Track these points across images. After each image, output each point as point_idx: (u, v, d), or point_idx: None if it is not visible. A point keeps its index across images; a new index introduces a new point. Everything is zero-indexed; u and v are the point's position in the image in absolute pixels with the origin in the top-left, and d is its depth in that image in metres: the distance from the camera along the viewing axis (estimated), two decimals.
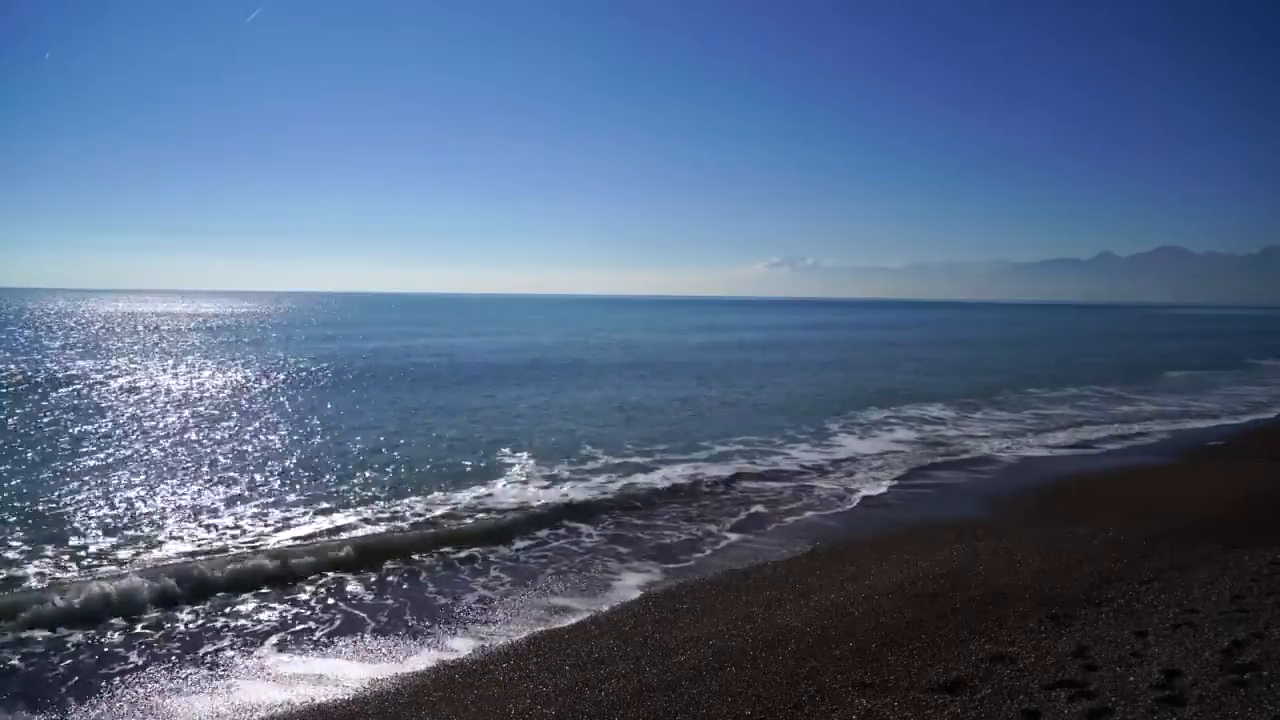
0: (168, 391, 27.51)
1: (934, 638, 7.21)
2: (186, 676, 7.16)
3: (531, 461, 16.51)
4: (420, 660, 7.51)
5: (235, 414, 22.63)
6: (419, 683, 7.00)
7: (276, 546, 10.78)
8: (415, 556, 10.61)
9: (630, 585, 9.53)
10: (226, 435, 19.19)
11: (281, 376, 33.06)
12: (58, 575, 9.54)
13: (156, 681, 7.06)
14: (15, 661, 7.45)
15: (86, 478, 14.41)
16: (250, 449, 17.55)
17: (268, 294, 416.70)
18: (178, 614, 8.55)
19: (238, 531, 11.49)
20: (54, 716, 6.52)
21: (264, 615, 8.60)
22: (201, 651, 7.67)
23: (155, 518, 12.06)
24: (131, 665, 7.38)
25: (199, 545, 10.77)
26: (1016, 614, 7.71)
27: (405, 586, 9.56)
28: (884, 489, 14.71)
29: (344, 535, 11.33)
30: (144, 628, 8.23)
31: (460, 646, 7.80)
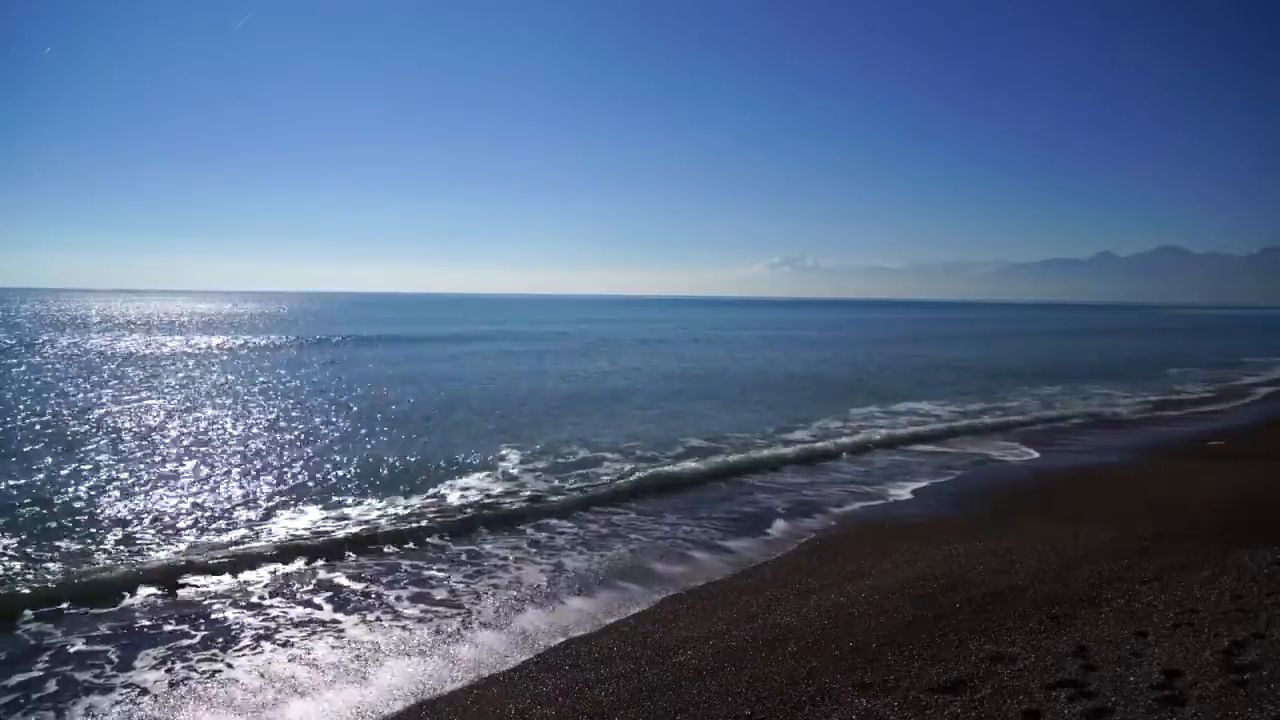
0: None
1: (934, 638, 7.21)
2: (168, 674, 7.14)
3: (515, 457, 16.53)
4: (418, 659, 7.49)
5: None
6: (417, 682, 7.00)
7: (269, 540, 10.76)
8: (411, 547, 10.69)
9: (629, 584, 9.52)
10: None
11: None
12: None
13: (144, 675, 7.05)
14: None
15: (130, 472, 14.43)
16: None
17: (281, 294, 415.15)
18: (164, 601, 8.56)
19: (226, 526, 11.49)
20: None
21: (258, 615, 8.59)
22: (183, 649, 7.66)
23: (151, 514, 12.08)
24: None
25: (196, 539, 10.78)
26: (1016, 614, 7.71)
27: (403, 584, 9.54)
28: (882, 489, 14.70)
29: (341, 527, 11.32)
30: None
31: (458, 645, 7.79)
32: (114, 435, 18.74)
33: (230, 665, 7.34)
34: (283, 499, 13.33)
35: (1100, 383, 33.56)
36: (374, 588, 9.44)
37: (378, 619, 8.48)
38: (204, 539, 11.08)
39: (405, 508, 12.80)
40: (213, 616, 8.52)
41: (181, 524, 11.78)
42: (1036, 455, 17.97)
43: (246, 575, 9.76)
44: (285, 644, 7.82)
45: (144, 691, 6.85)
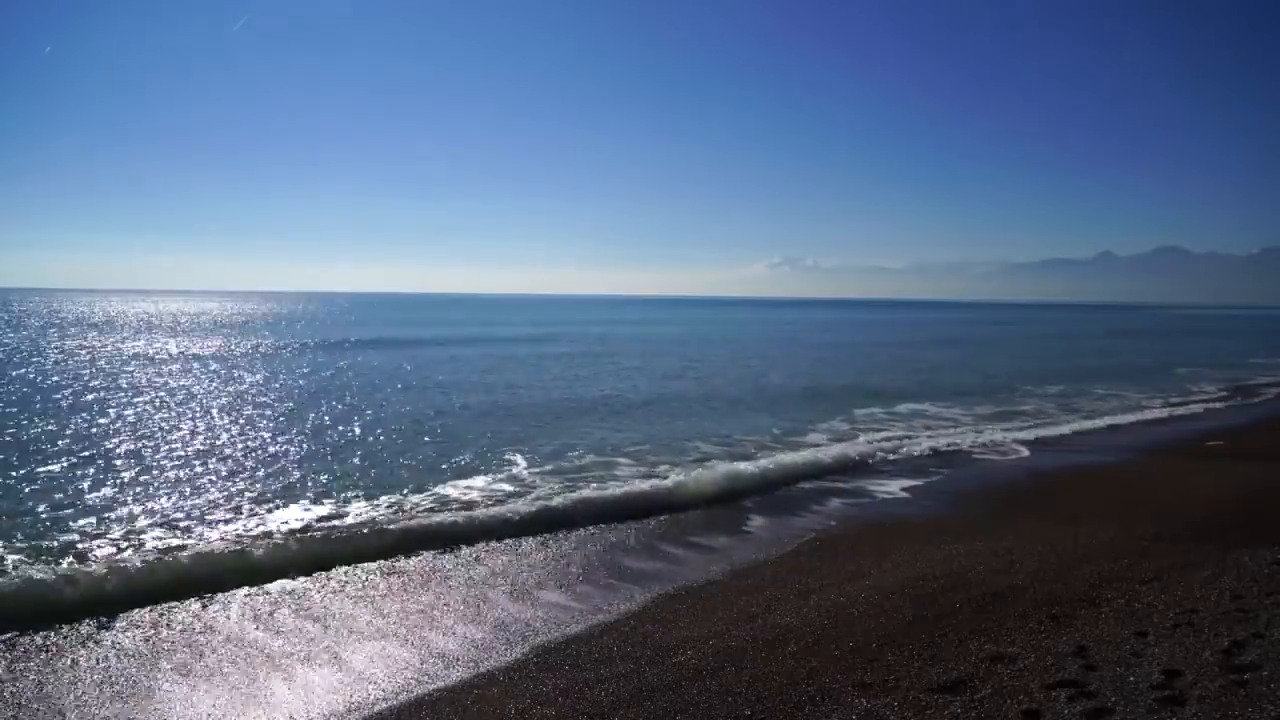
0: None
1: (934, 638, 7.21)
2: (176, 678, 7.15)
3: (520, 460, 16.55)
4: (420, 660, 7.50)
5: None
6: (418, 682, 7.00)
7: (264, 540, 10.73)
8: (409, 553, 10.66)
9: (630, 585, 9.52)
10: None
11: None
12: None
13: (131, 682, 7.06)
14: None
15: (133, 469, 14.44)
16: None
17: (281, 294, 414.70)
18: (172, 609, 8.56)
19: (211, 525, 11.49)
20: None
21: (249, 619, 8.59)
22: (184, 654, 7.66)
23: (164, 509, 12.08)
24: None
25: (206, 535, 10.79)
26: (1016, 614, 7.71)
27: (400, 584, 9.55)
28: (882, 488, 14.71)
29: (337, 529, 11.31)
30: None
31: (460, 646, 7.80)
32: (120, 435, 18.75)
33: (226, 660, 7.35)
34: (282, 499, 13.32)
35: (1105, 383, 33.54)
36: (371, 587, 9.44)
37: (375, 618, 8.48)
38: (198, 538, 11.08)
39: (404, 509, 12.81)
40: (210, 612, 8.52)
41: (180, 523, 11.78)
42: (1036, 455, 17.97)
43: (242, 573, 9.75)
44: (282, 641, 7.83)
45: (141, 681, 6.87)
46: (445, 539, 11.26)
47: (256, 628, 8.23)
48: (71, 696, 6.75)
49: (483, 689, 6.80)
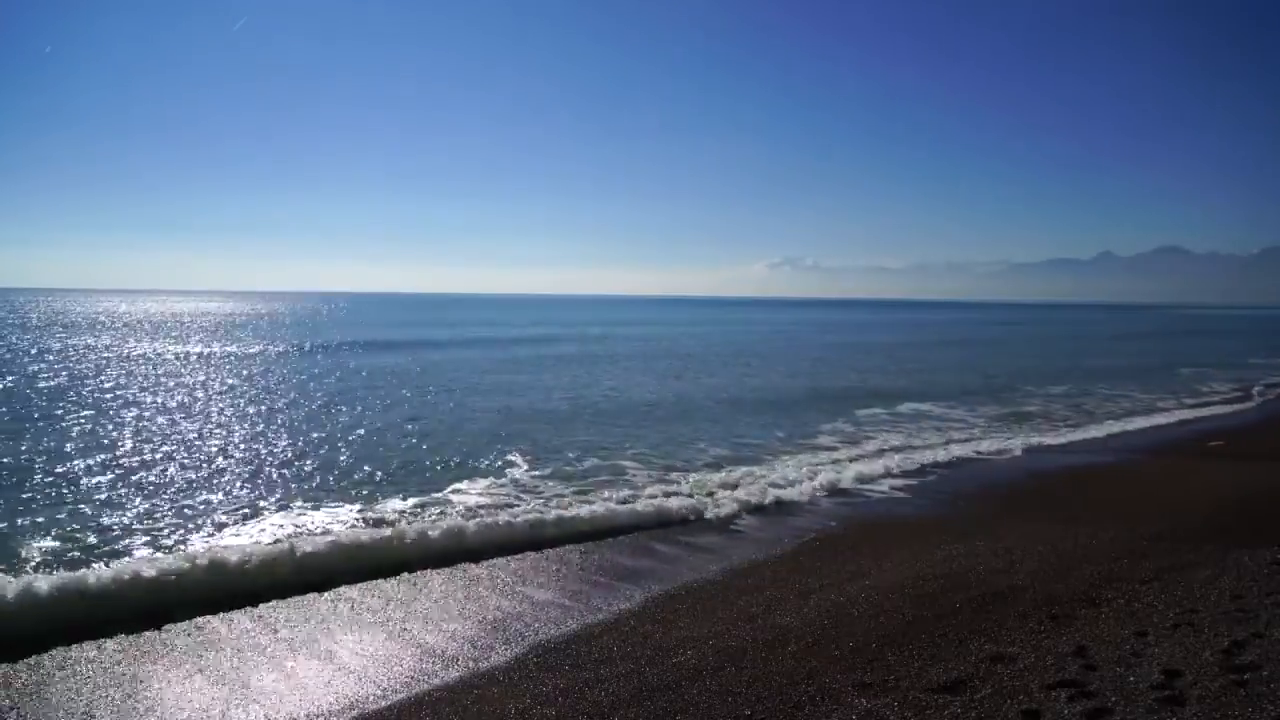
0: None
1: (934, 638, 7.21)
2: (177, 680, 7.15)
3: (525, 463, 16.55)
4: (419, 660, 7.50)
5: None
6: (419, 683, 7.01)
7: (257, 547, 10.74)
8: (408, 557, 10.61)
9: (629, 585, 9.52)
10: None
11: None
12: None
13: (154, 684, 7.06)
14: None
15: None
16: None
17: (283, 294, 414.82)
18: (174, 612, 8.56)
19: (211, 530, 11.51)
20: None
21: (250, 622, 8.60)
22: (186, 656, 7.67)
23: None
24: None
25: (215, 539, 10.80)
26: (1016, 614, 7.71)
27: (400, 586, 9.55)
28: (883, 488, 14.71)
29: (338, 534, 11.30)
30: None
31: (459, 646, 7.80)
32: (120, 440, 18.78)
33: (227, 662, 7.35)
34: (283, 504, 13.36)
35: (1109, 383, 33.50)
36: (370, 590, 9.43)
37: (375, 619, 8.48)
38: (199, 542, 11.10)
39: (404, 514, 12.81)
40: (211, 614, 8.51)
41: (180, 527, 11.81)
42: (1036, 455, 17.97)
43: (240, 575, 9.75)
44: (283, 642, 7.83)
45: (142, 682, 6.88)
46: (445, 542, 11.21)
47: (257, 630, 8.24)
48: (72, 698, 6.75)
49: (482, 689, 6.81)
